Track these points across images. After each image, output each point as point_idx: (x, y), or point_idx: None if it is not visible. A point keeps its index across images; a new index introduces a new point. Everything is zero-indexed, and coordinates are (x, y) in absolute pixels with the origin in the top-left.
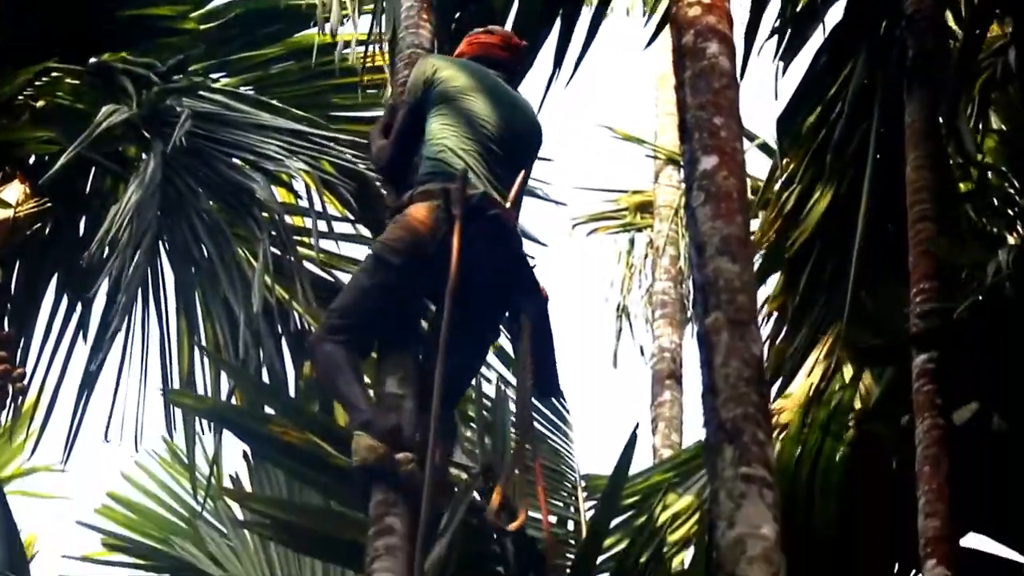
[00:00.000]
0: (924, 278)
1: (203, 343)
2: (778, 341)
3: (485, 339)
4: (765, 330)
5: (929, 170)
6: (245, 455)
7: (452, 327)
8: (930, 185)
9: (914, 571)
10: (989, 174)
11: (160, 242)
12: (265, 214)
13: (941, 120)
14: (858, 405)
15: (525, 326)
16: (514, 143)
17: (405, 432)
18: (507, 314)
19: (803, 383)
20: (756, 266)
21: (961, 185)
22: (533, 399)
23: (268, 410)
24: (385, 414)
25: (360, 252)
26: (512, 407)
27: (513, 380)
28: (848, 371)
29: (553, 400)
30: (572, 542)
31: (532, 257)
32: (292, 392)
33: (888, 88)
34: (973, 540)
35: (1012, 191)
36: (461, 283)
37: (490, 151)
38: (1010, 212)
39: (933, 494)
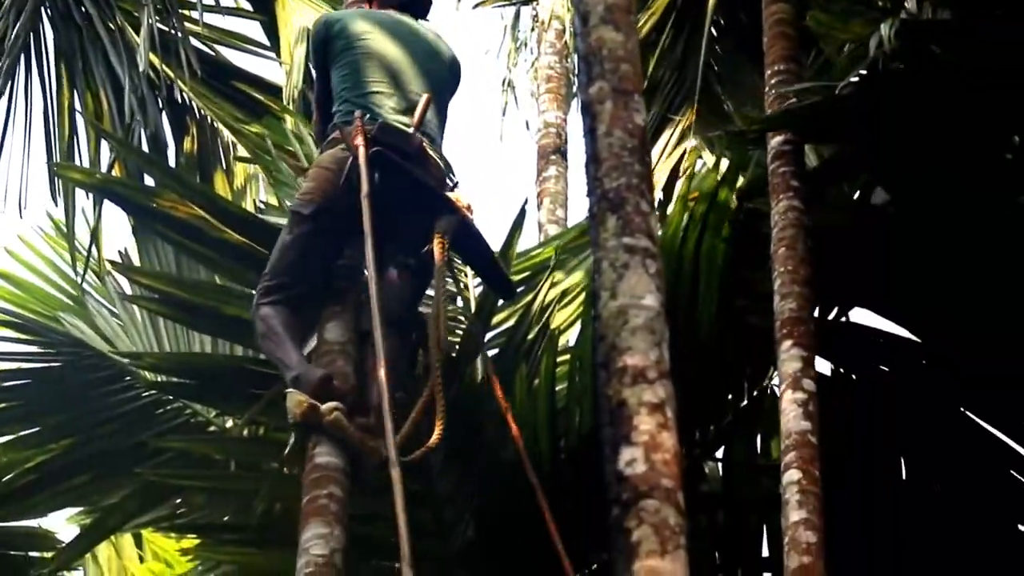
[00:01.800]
0: (780, 60)
1: (86, 113)
2: None
3: (417, 265)
4: None
5: None
6: (133, 229)
7: (380, 260)
8: None
9: None
10: None
11: (43, 8)
12: None
13: None
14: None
15: (438, 242)
16: (419, 72)
17: (334, 381)
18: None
19: (663, 164)
20: None
21: None
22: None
23: (151, 182)
24: (312, 368)
25: (242, 26)
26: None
27: None
28: (708, 155)
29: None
30: (461, 319)
31: (452, 178)
32: (174, 164)
33: None
34: (860, 315)
35: None
36: (378, 214)
37: (393, 86)
38: None
39: (788, 275)
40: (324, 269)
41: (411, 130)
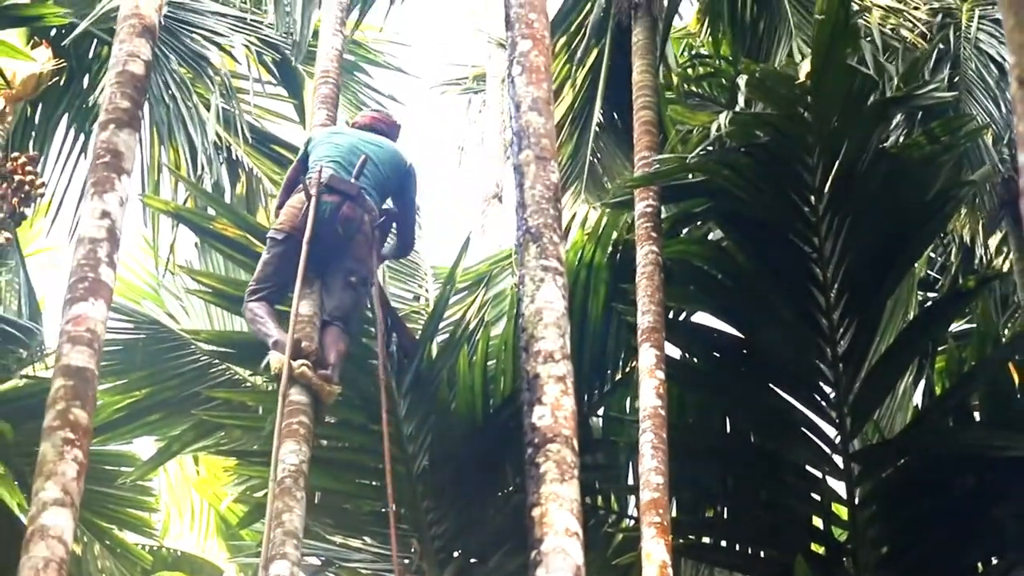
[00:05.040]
0: (645, 149)
1: (169, 164)
2: None
3: (357, 282)
4: None
5: (650, 74)
6: (195, 244)
7: (330, 269)
8: (651, 84)
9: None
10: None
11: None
12: (216, 77)
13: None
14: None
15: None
16: (357, 156)
17: (303, 344)
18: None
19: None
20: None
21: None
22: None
23: (211, 212)
24: (286, 335)
25: (280, 106)
26: None
27: None
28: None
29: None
30: (421, 313)
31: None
32: (228, 199)
33: (619, 17)
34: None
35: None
36: (323, 236)
37: (343, 162)
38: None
39: (648, 298)
40: (291, 275)
41: (352, 179)
